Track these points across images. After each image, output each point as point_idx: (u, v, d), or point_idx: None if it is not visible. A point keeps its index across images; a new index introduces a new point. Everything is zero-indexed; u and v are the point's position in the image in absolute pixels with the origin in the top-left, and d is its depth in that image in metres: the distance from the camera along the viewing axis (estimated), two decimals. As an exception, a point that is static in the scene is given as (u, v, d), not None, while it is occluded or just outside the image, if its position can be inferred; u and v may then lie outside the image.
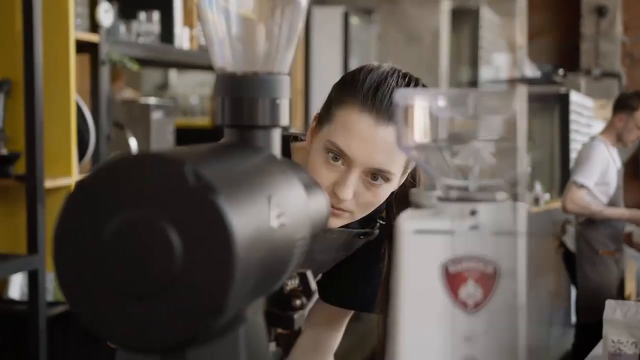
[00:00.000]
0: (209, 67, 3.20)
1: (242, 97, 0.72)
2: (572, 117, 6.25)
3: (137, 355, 0.62)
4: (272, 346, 0.75)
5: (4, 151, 2.82)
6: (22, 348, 2.80)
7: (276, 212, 0.65)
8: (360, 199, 1.25)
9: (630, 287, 4.59)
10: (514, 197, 0.68)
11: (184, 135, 3.72)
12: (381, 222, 1.42)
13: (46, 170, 2.81)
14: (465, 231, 0.65)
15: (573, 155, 5.62)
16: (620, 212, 4.28)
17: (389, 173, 1.24)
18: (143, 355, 0.62)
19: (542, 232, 4.71)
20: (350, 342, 2.47)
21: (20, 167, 2.79)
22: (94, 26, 3.21)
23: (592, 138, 4.48)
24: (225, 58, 0.72)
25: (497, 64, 7.19)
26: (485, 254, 0.65)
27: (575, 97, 6.38)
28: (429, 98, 0.70)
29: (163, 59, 3.92)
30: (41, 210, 2.76)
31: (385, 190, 1.27)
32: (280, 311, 0.75)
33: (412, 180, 1.35)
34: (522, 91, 0.67)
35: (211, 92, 5.72)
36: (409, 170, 1.31)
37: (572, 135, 6.22)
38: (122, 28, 3.47)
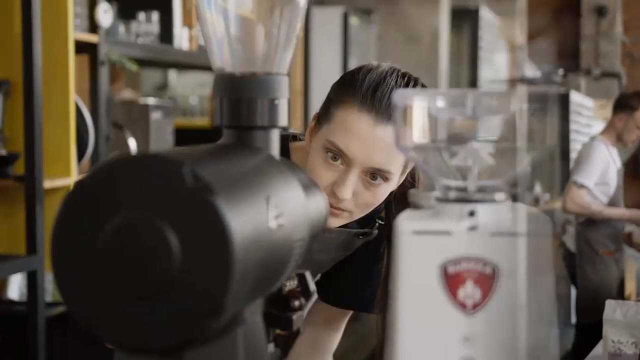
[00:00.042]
0: (208, 68, 3.20)
1: (240, 98, 0.71)
2: (572, 117, 6.25)
3: (135, 356, 0.62)
4: (271, 347, 0.75)
5: (3, 152, 2.82)
6: (21, 348, 2.80)
7: (274, 213, 0.65)
8: (359, 199, 1.25)
9: (630, 287, 4.59)
10: (514, 198, 0.68)
11: (184, 135, 3.72)
12: (380, 222, 1.42)
13: (45, 171, 2.81)
14: (464, 232, 0.65)
15: (573, 155, 5.63)
16: (620, 212, 4.28)
17: (388, 173, 1.24)
18: (141, 356, 0.62)
19: (542, 232, 4.70)
20: (349, 342, 2.48)
21: (19, 168, 2.79)
22: (93, 26, 3.21)
23: (592, 138, 4.48)
24: (223, 58, 0.72)
25: (497, 64, 7.20)
26: (484, 255, 0.64)
27: (575, 97, 6.38)
28: (428, 98, 0.70)
29: (162, 59, 3.92)
30: (40, 210, 2.75)
31: (384, 190, 1.26)
32: (278, 312, 0.75)
33: (411, 181, 1.35)
34: (522, 91, 0.67)
35: (210, 92, 5.71)
36: (408, 170, 1.30)
37: (572, 135, 6.22)
38: (122, 28, 3.47)
